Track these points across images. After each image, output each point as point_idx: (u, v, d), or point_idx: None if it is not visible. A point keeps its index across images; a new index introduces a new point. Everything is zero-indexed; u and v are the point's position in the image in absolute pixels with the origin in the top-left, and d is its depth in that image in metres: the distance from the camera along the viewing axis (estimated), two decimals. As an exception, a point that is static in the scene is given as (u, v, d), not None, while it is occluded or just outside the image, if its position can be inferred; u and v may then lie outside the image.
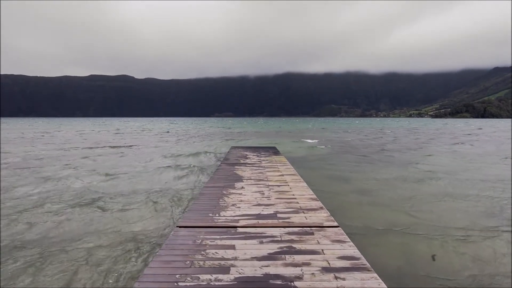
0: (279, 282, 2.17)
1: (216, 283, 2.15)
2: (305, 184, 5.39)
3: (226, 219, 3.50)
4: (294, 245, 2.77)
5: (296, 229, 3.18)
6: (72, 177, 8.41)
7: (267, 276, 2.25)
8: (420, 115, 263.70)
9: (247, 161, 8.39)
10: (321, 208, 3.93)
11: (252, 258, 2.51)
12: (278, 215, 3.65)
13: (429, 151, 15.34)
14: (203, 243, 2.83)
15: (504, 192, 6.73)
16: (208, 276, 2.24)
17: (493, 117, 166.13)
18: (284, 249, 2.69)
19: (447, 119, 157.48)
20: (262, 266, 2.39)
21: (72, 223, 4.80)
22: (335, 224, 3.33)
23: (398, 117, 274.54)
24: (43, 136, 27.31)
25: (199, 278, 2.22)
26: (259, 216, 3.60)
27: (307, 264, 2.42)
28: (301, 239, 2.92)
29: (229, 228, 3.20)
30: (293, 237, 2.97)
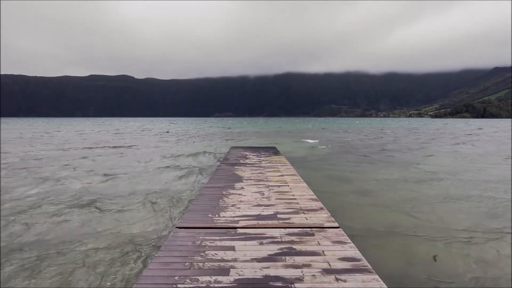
0: (279, 284, 2.14)
1: (216, 285, 2.12)
2: (305, 184, 5.37)
3: (226, 219, 3.48)
4: (294, 246, 2.74)
5: (296, 230, 3.15)
6: (71, 177, 8.36)
7: (267, 278, 2.23)
8: (420, 115, 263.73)
9: (247, 161, 8.36)
10: (322, 208, 3.91)
11: (252, 260, 2.49)
12: (278, 215, 3.62)
13: (430, 151, 15.29)
14: (203, 244, 2.80)
15: (506, 193, 6.69)
16: (207, 278, 2.21)
17: (493, 117, 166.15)
18: (284, 250, 2.67)
19: (447, 119, 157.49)
20: (262, 267, 2.37)
21: (70, 224, 4.75)
22: (336, 224, 3.31)
23: (398, 117, 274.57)
24: (42, 136, 27.28)
25: (198, 280, 2.19)
26: (259, 217, 3.57)
27: (308, 265, 2.40)
28: (302, 240, 2.90)
29: (229, 229, 3.18)
30: (293, 238, 2.94)
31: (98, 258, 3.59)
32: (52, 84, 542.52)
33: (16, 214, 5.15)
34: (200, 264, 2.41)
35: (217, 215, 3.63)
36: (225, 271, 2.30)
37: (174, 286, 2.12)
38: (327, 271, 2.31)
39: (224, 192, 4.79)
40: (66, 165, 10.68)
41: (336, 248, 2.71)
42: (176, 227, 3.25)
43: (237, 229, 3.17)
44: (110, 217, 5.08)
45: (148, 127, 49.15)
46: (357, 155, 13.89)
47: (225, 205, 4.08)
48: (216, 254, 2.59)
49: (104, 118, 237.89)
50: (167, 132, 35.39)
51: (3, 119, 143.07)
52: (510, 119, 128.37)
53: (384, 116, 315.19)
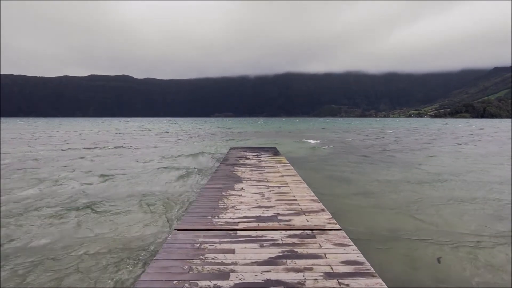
0: (280, 288, 2.09)
1: (215, 290, 2.07)
2: (305, 185, 5.31)
3: (226, 221, 3.42)
4: (295, 249, 2.69)
5: (297, 232, 3.10)
6: (69, 178, 8.26)
7: (268, 282, 2.17)
8: (419, 115, 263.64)
9: (247, 161, 8.31)
10: (323, 210, 3.85)
11: (252, 263, 2.43)
12: (279, 217, 3.57)
13: (432, 151, 15.19)
14: (202, 247, 2.75)
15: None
16: (207, 282, 2.15)
17: (493, 117, 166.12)
18: (285, 253, 2.62)
19: (447, 119, 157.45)
20: (263, 271, 2.31)
21: (65, 227, 4.64)
22: (337, 226, 3.25)
23: (397, 117, 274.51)
24: (41, 136, 27.20)
25: (197, 284, 2.14)
26: (259, 219, 3.52)
27: (309, 269, 2.34)
28: (303, 242, 2.84)
29: (229, 231, 3.12)
30: (295, 240, 2.89)
31: (93, 263, 3.49)
32: (51, 84, 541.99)
33: (8, 217, 5.02)
34: (199, 268, 2.36)
35: (216, 217, 3.57)
36: (225, 275, 2.25)
37: (173, 291, 2.06)
38: (329, 275, 2.25)
39: (223, 193, 4.73)
40: (64, 165, 10.61)
41: (338, 251, 2.65)
42: (175, 229, 3.19)
43: (237, 231, 3.12)
44: (106, 220, 4.97)
45: (147, 127, 49.07)
46: (358, 155, 13.82)
47: (224, 206, 4.03)
48: (215, 257, 2.54)
49: (104, 118, 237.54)
50: (166, 132, 35.32)
51: (3, 119, 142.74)
52: (510, 119, 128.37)
53: (384, 116, 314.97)
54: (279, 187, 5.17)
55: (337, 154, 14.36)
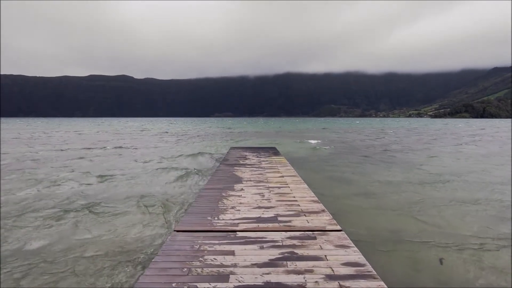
0: (281, 291, 2.06)
1: (215, 293, 2.04)
2: (306, 185, 5.29)
3: (225, 222, 3.39)
4: (296, 251, 2.66)
5: (297, 233, 3.07)
6: (67, 179, 8.20)
7: (268, 284, 2.14)
8: (419, 115, 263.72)
9: (247, 161, 8.28)
10: (323, 210, 3.83)
11: (252, 265, 2.40)
12: (279, 218, 3.54)
13: (433, 152, 15.14)
14: (201, 248, 2.72)
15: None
16: (206, 285, 2.13)
17: (492, 117, 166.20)
18: (286, 255, 2.59)
19: (447, 119, 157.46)
20: (263, 273, 2.28)
21: (62, 228, 4.59)
22: (338, 227, 3.23)
23: (397, 117, 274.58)
24: (40, 136, 27.16)
25: (196, 287, 2.11)
26: (259, 220, 3.49)
27: (310, 271, 2.32)
28: (303, 244, 2.82)
29: (228, 233, 3.09)
30: (295, 241, 2.86)
31: (90, 266, 3.43)
32: (51, 84, 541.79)
33: (7, 218, 4.97)
34: (199, 270, 2.33)
35: (216, 218, 3.54)
36: (224, 278, 2.22)
37: (171, 293, 2.04)
38: (330, 277, 2.23)
39: (223, 194, 4.70)
40: (63, 166, 10.56)
41: (339, 253, 2.63)
42: (174, 231, 3.16)
43: (237, 233, 3.09)
44: (105, 221, 4.91)
45: (147, 127, 49.04)
46: (359, 155, 13.78)
47: (224, 207, 4.00)
48: (215, 259, 2.51)
49: (103, 118, 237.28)
50: (166, 132, 35.29)
51: (2, 119, 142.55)
52: (509, 119, 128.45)
53: (384, 116, 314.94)
54: (279, 187, 5.14)
55: (337, 154, 14.33)
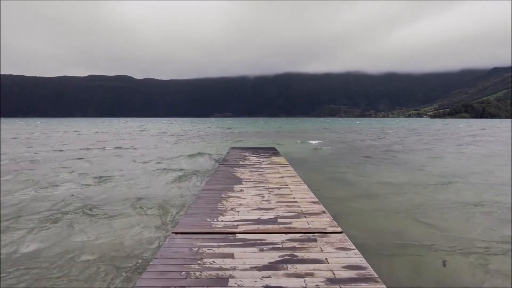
0: (281, 295, 2.03)
1: (213, 297, 2.00)
2: (306, 186, 5.25)
3: (225, 224, 3.35)
4: (296, 253, 2.62)
5: (298, 235, 3.03)
6: (63, 180, 8.11)
7: (268, 288, 2.10)
8: (419, 115, 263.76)
9: (246, 162, 8.24)
10: (324, 212, 3.79)
11: (252, 268, 2.37)
12: (279, 220, 3.50)
13: (435, 152, 15.06)
14: (200, 251, 2.68)
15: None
16: (204, 289, 2.09)
17: (492, 117, 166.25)
18: (286, 257, 2.55)
19: (447, 119, 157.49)
20: (263, 277, 2.24)
21: (57, 231, 4.51)
22: (339, 229, 3.19)
23: (397, 117, 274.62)
24: (39, 137, 27.10)
25: (195, 291, 2.07)
26: (259, 221, 3.45)
27: (311, 274, 2.28)
28: (304, 246, 2.78)
29: (228, 235, 3.05)
30: (295, 244, 2.82)
31: (84, 270, 3.35)
32: (51, 84, 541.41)
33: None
34: (197, 274, 2.29)
35: (215, 220, 3.50)
36: (223, 281, 2.18)
37: (169, 298, 2.00)
38: (331, 281, 2.19)
39: (223, 195, 4.67)
40: (61, 167, 10.49)
41: (340, 255, 2.59)
42: (173, 233, 3.12)
43: (236, 235, 3.05)
44: (101, 224, 4.81)
45: (147, 128, 48.99)
46: (361, 156, 13.72)
47: (224, 208, 3.96)
48: (214, 262, 2.47)
49: (103, 119, 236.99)
50: (165, 132, 35.24)
51: (2, 120, 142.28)
52: (509, 119, 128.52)
53: (383, 116, 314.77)
54: (279, 188, 5.11)
55: (339, 155, 14.29)
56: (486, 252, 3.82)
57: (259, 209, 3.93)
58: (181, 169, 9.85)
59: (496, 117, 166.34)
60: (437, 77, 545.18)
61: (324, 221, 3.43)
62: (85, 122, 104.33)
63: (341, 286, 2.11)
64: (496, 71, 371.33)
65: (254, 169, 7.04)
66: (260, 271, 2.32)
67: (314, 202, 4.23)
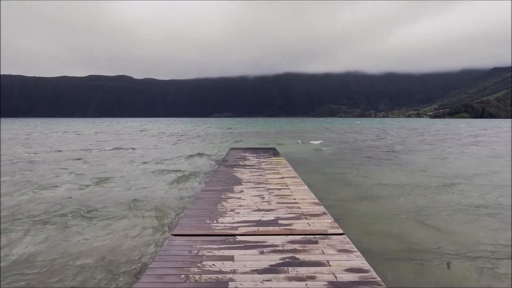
0: (282, 299, 1.98)
1: (213, 301, 1.96)
2: (306, 187, 5.20)
3: (225, 226, 3.31)
4: (297, 256, 2.58)
5: (298, 237, 2.99)
6: (60, 182, 8.02)
7: (269, 292, 2.06)
8: (419, 115, 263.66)
9: (246, 162, 8.20)
10: (325, 213, 3.74)
11: (252, 271, 2.32)
12: (280, 221, 3.46)
13: (437, 153, 14.98)
14: (200, 253, 2.64)
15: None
16: (204, 293, 2.04)
17: (492, 117, 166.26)
18: (287, 260, 2.50)
19: (447, 119, 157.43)
20: (263, 280, 2.20)
21: (52, 234, 4.44)
22: (340, 231, 3.14)
23: (397, 117, 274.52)
24: (38, 137, 27.03)
25: (194, 295, 2.03)
26: (259, 223, 3.41)
27: (312, 277, 2.23)
28: (305, 248, 2.73)
29: (228, 237, 3.01)
30: (296, 246, 2.78)
31: (78, 274, 3.29)
32: (51, 84, 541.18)
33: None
34: (197, 277, 2.25)
35: (215, 221, 3.46)
36: (223, 285, 2.14)
37: (168, 302, 1.95)
38: (333, 284, 2.14)
39: (222, 196, 4.62)
40: (58, 168, 10.42)
41: (342, 258, 2.55)
42: (172, 235, 3.08)
43: (236, 237, 3.01)
44: (97, 227, 4.72)
45: (147, 128, 48.94)
46: (362, 156, 13.65)
47: (223, 210, 3.92)
48: (214, 264, 2.43)
49: (103, 119, 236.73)
50: (164, 133, 35.20)
51: (2, 120, 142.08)
52: (509, 119, 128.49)
53: (383, 117, 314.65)
54: (279, 189, 5.06)
55: (340, 155, 14.24)
56: (492, 256, 3.74)
57: (259, 210, 3.89)
58: (181, 170, 9.80)
59: (496, 117, 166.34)
60: (437, 77, 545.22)
61: (325, 223, 3.39)
62: (85, 122, 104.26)
63: (343, 290, 2.07)
64: (496, 71, 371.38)
65: (254, 170, 7.00)
66: (260, 274, 2.28)
67: (315, 203, 4.19)
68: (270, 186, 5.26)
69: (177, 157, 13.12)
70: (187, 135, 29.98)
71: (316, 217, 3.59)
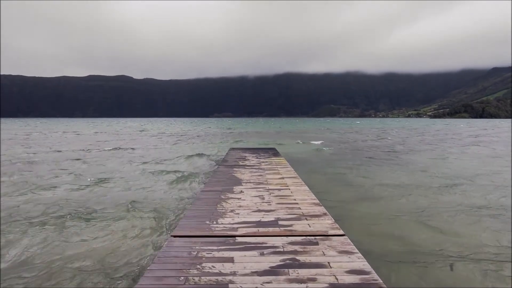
0: (282, 302, 1.95)
1: (212, 304, 1.93)
2: (306, 187, 5.18)
3: (224, 227, 3.28)
4: (297, 257, 2.55)
5: (299, 238, 2.96)
6: (59, 183, 7.97)
7: (269, 294, 2.03)
8: (418, 115, 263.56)
9: (246, 163, 8.17)
10: (325, 214, 3.72)
11: (252, 273, 2.29)
12: (280, 222, 3.43)
13: (438, 153, 14.92)
14: (199, 255, 2.61)
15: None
16: (203, 295, 2.01)
17: (492, 117, 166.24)
18: (287, 261, 2.48)
19: (446, 119, 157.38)
20: (263, 282, 2.17)
21: (49, 235, 4.39)
22: (341, 232, 3.12)
23: (396, 117, 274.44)
24: (37, 137, 26.99)
25: (193, 297, 2.00)
26: (259, 224, 3.38)
27: (313, 279, 2.21)
28: (305, 249, 2.71)
29: (227, 238, 2.98)
30: (297, 247, 2.75)
31: (75, 277, 3.24)
32: (50, 85, 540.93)
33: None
34: (196, 279, 2.22)
35: (215, 222, 3.43)
36: (223, 286, 2.11)
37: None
38: (334, 286, 2.12)
39: (222, 197, 4.59)
40: (57, 168, 10.38)
41: (343, 259, 2.52)
42: (171, 236, 3.05)
43: (236, 238, 2.98)
44: (95, 228, 4.67)
45: (147, 128, 48.90)
46: (363, 157, 13.60)
47: (223, 210, 3.89)
48: (213, 266, 2.40)
49: (103, 119, 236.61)
50: (164, 133, 35.16)
51: (2, 120, 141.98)
52: (509, 119, 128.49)
53: (383, 117, 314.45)
54: (279, 189, 5.04)
55: (340, 155, 14.20)
56: (495, 258, 3.69)
57: (259, 211, 3.86)
58: (181, 170, 9.77)
59: (495, 117, 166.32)
60: (437, 77, 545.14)
61: (326, 224, 3.36)
62: (85, 122, 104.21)
63: (345, 292, 2.04)
64: (496, 71, 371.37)
65: (254, 170, 6.97)
66: (260, 276, 2.25)
67: (315, 204, 4.16)
68: (270, 187, 5.23)
69: (177, 157, 13.09)
70: (187, 135, 29.94)
71: (317, 218, 3.56)
